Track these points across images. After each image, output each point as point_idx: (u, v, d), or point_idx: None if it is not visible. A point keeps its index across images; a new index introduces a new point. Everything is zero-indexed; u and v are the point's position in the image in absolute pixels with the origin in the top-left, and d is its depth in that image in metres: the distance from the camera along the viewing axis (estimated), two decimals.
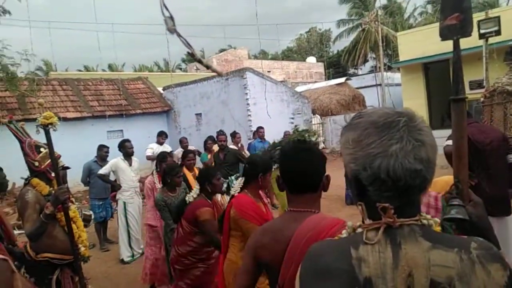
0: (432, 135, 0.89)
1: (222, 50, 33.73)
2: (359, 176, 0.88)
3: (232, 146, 8.63)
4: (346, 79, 21.75)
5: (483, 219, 1.11)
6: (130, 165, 6.44)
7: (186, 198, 3.53)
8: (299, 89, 20.37)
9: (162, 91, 16.10)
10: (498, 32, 8.81)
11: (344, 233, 0.96)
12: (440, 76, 14.58)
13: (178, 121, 15.26)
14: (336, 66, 36.80)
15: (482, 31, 8.86)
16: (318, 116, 17.97)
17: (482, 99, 9.05)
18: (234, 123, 12.78)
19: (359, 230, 0.91)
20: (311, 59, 33.75)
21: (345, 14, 32.19)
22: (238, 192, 2.76)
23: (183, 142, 8.61)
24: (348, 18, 31.88)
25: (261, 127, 9.25)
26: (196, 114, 14.62)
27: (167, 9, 0.98)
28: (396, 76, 20.43)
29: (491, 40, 9.49)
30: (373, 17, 26.04)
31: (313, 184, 1.56)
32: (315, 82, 27.01)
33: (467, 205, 1.12)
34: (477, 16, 10.43)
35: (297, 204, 1.57)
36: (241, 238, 2.57)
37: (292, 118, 14.44)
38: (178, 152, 8.98)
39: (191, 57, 1.07)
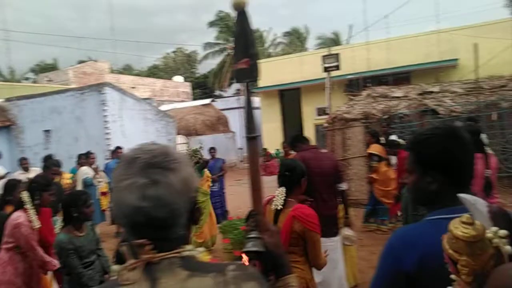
0: (179, 175, 0.88)
1: (81, 62, 31.25)
2: (117, 214, 0.88)
3: (85, 167, 7.93)
4: (211, 101, 22.29)
5: (278, 247, 1.18)
6: None
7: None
8: (164, 107, 20.04)
9: (2, 104, 14.01)
10: (338, 67, 10.14)
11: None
12: (293, 102, 16.08)
13: (21, 138, 13.43)
14: (203, 87, 37.48)
15: (325, 65, 10.09)
16: (183, 136, 17.89)
17: (325, 124, 10.28)
18: (90, 142, 11.83)
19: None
20: (178, 78, 33.69)
21: (213, 37, 33.23)
22: (282, 204, 2.48)
23: (22, 163, 7.54)
24: (215, 41, 32.98)
25: (119, 147, 8.74)
26: (45, 131, 13.13)
27: None
28: (257, 100, 21.80)
29: (333, 73, 10.89)
30: None
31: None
32: (182, 101, 26.99)
33: (265, 234, 1.18)
34: (321, 52, 11.93)
35: None
36: (302, 252, 2.44)
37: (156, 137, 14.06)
38: (18, 175, 7.83)
39: None
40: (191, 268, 0.87)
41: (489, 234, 0.87)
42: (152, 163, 0.87)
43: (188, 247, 0.91)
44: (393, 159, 6.48)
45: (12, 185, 4.01)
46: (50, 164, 6.68)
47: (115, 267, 0.90)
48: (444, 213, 1.21)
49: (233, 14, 1.33)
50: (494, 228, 0.88)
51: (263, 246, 1.14)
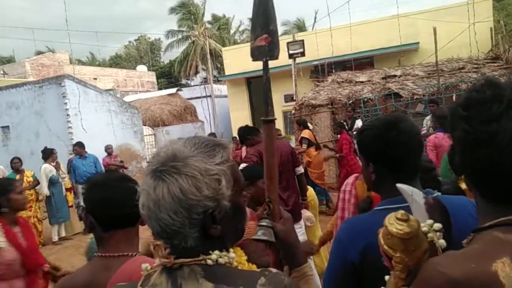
0: (170, 188, 0.79)
1: (39, 53, 29.81)
2: None
3: (47, 165, 7.64)
4: (177, 90, 21.91)
5: (290, 234, 1.12)
6: None
7: None
8: (129, 98, 19.54)
9: None
10: (303, 54, 10.15)
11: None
12: (261, 89, 16.06)
13: None
14: (169, 76, 36.71)
15: (290, 52, 10.06)
16: (150, 128, 17.54)
17: (293, 111, 10.34)
18: (51, 137, 11.40)
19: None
20: (142, 68, 32.84)
21: (176, 24, 32.38)
22: None
23: (14, 162, 7.23)
24: (178, 29, 32.21)
25: (76, 144, 8.46)
26: (3, 127, 12.58)
27: None
28: (224, 88, 21.61)
29: (298, 60, 10.91)
30: (202, 30, 27.03)
31: (128, 216, 1.36)
32: (147, 91, 26.38)
33: (278, 222, 1.12)
34: (286, 38, 11.91)
35: (109, 246, 1.37)
36: None
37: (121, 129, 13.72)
38: None
39: None
40: (216, 279, 0.81)
41: (424, 228, 0.84)
42: (153, 169, 0.82)
43: (214, 254, 0.83)
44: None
45: None
46: None
47: (144, 265, 0.88)
48: (389, 203, 1.21)
49: None
50: (430, 221, 0.87)
51: (273, 235, 1.09)
